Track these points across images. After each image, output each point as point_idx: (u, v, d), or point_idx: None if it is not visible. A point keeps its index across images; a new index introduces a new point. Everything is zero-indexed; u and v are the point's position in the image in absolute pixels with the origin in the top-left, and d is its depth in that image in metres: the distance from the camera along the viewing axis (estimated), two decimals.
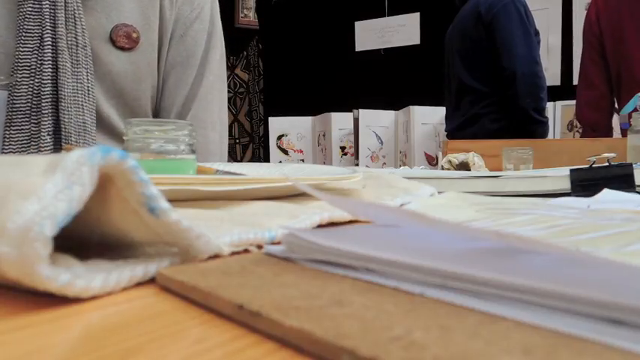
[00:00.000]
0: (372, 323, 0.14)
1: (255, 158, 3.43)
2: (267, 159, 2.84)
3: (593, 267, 0.16)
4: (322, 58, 3.05)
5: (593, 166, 0.54)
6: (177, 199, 0.32)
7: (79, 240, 0.21)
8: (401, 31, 2.82)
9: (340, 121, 2.48)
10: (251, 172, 0.52)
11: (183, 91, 0.78)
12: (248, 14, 3.40)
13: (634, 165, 0.52)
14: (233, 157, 3.35)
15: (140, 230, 0.20)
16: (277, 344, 0.14)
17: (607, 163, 0.56)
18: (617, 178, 0.51)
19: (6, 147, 0.63)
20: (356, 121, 2.41)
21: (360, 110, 2.40)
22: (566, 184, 0.53)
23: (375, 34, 2.90)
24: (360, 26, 2.94)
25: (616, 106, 1.63)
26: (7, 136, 0.62)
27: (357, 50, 2.96)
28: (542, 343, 0.12)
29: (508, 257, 0.18)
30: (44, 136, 0.63)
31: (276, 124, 2.63)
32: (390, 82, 2.82)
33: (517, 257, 0.18)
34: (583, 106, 1.66)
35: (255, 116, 3.50)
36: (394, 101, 2.46)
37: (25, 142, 0.63)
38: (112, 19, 0.70)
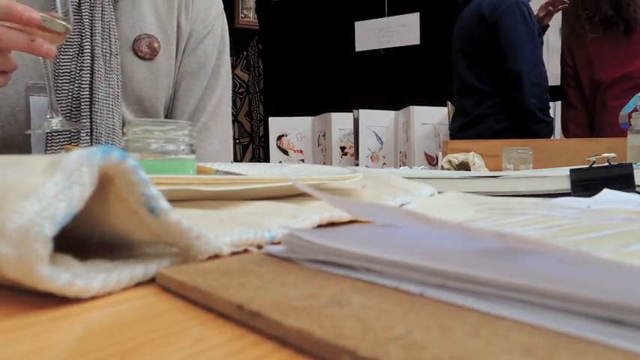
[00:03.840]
0: (372, 323, 0.14)
1: (255, 158, 3.42)
2: (267, 159, 2.84)
3: (593, 267, 0.16)
4: (322, 58, 3.05)
5: (593, 166, 0.54)
6: (177, 199, 0.32)
7: (79, 240, 0.21)
8: (401, 31, 2.82)
9: (340, 122, 2.48)
10: (251, 172, 0.52)
11: (193, 101, 0.82)
12: (248, 14, 3.40)
13: (634, 165, 0.52)
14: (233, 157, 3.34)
15: (140, 230, 0.20)
16: (277, 344, 0.14)
17: (607, 163, 0.56)
18: (617, 178, 0.51)
19: (49, 147, 0.68)
20: (356, 121, 2.41)
21: (360, 110, 2.40)
22: (566, 184, 0.53)
23: (374, 35, 2.89)
24: (360, 26, 2.94)
25: None
26: (50, 137, 0.68)
27: (357, 50, 2.95)
28: (542, 343, 0.12)
29: (508, 257, 0.18)
30: (83, 136, 0.68)
31: (276, 125, 2.62)
32: (390, 82, 2.82)
33: (517, 257, 0.18)
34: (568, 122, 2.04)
35: (255, 116, 3.50)
36: (394, 101, 2.46)
37: (66, 142, 0.68)
38: (135, 30, 0.75)
